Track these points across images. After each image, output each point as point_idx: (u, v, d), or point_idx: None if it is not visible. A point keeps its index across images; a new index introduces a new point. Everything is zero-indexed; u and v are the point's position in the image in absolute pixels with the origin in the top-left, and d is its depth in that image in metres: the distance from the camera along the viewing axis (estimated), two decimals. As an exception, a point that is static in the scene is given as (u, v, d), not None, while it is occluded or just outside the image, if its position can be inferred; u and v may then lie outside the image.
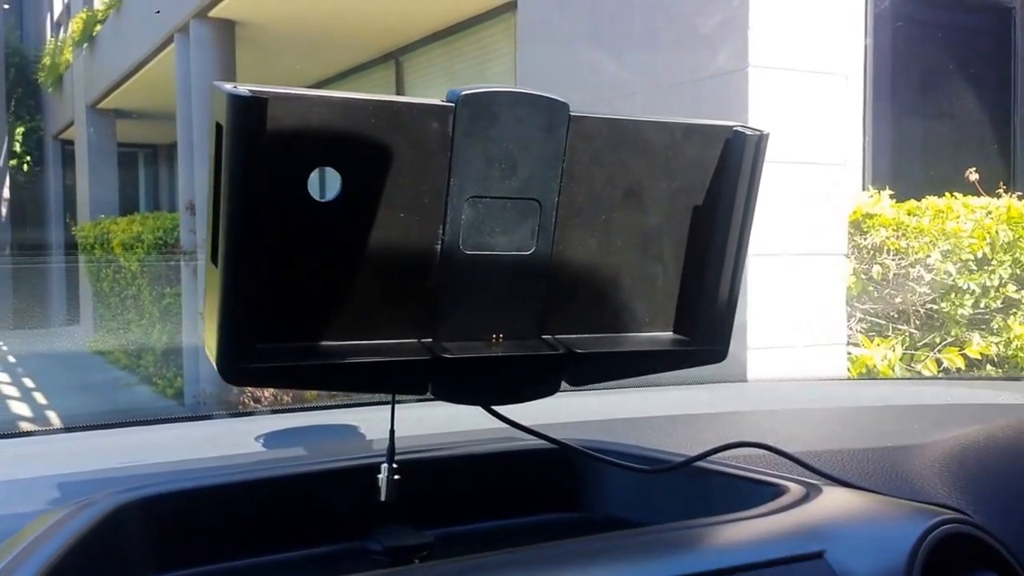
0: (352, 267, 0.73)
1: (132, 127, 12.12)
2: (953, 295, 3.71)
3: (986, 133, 5.05)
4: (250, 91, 0.65)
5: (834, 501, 0.81)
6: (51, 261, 14.11)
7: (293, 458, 0.99)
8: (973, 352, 3.68)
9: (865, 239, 3.70)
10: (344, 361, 0.73)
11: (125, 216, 10.09)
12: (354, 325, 0.74)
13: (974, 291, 3.69)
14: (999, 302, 3.76)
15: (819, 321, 3.55)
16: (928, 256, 3.67)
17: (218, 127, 0.66)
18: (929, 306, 3.74)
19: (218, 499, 0.82)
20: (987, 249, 3.71)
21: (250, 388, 5.25)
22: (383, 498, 0.84)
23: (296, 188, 0.69)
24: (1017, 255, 3.76)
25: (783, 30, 3.44)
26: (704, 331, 0.86)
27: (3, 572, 0.65)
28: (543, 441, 0.92)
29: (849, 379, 3.38)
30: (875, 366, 3.54)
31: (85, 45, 11.02)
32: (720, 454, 0.91)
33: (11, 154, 14.76)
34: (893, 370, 3.55)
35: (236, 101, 0.64)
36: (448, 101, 0.72)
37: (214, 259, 0.68)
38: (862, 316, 3.75)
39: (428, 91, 7.21)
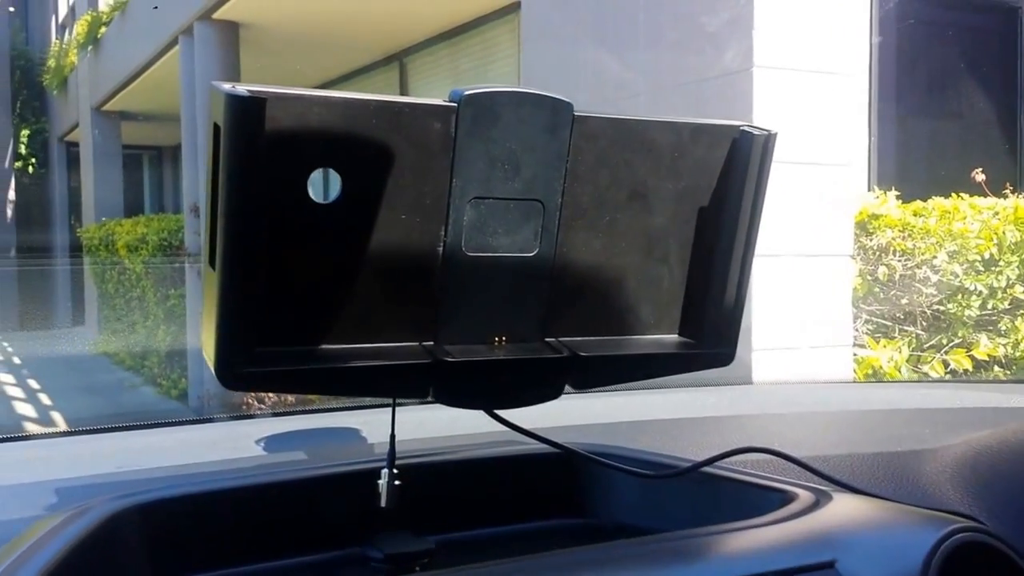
0: (352, 269, 0.71)
1: (137, 129, 12.14)
2: (960, 296, 3.69)
3: (992, 133, 5.03)
4: (248, 91, 0.64)
5: (845, 508, 0.80)
6: (56, 263, 14.13)
7: (293, 462, 0.98)
8: (980, 353, 3.66)
9: (871, 240, 3.68)
10: (344, 365, 0.71)
11: (130, 218, 10.10)
12: (354, 328, 0.73)
13: (981, 292, 3.67)
14: (1006, 303, 3.74)
15: (825, 322, 3.53)
16: (935, 257, 3.65)
17: (216, 128, 0.65)
18: (936, 307, 3.72)
19: (216, 505, 0.81)
20: (994, 250, 3.69)
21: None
22: (383, 504, 0.82)
23: (295, 190, 0.68)
24: (1024, 256, 3.74)
25: (788, 30, 3.42)
26: (710, 334, 0.85)
27: None
28: (546, 445, 0.90)
29: (856, 382, 3.36)
30: (881, 367, 3.52)
31: (90, 47, 11.03)
32: (727, 459, 0.89)
33: (16, 156, 14.78)
34: (899, 371, 3.53)
35: (234, 101, 0.63)
36: (450, 101, 0.71)
37: (212, 262, 0.67)
38: (868, 317, 3.73)
39: (432, 92, 7.20)
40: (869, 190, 3.98)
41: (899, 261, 3.67)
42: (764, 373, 3.33)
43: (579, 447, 0.94)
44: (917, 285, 3.68)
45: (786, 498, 0.81)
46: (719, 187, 0.82)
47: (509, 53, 6.35)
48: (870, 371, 3.54)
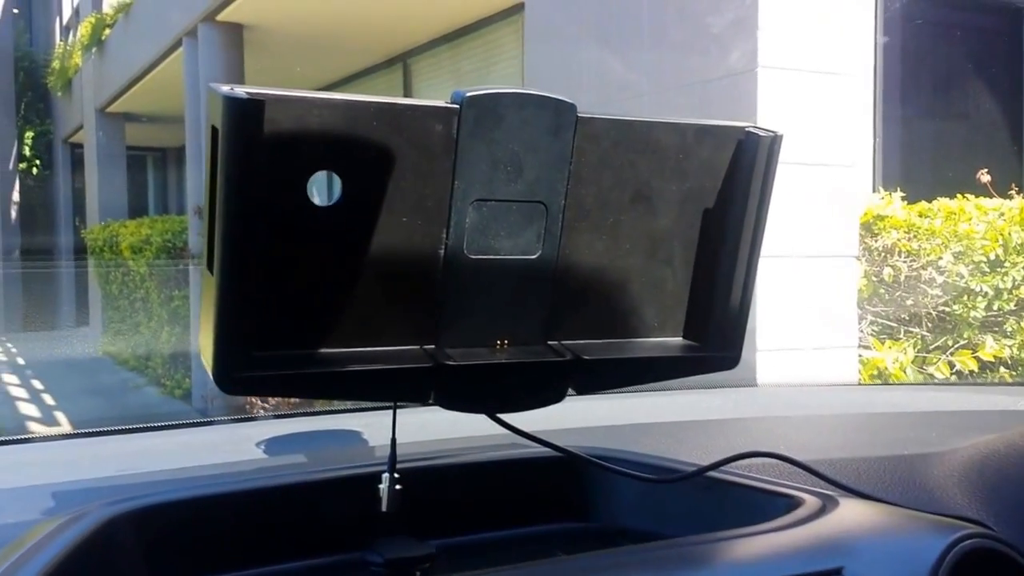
0: (353, 272, 0.71)
1: (141, 131, 12.15)
2: (965, 297, 3.67)
3: (998, 134, 5.01)
4: (247, 93, 0.63)
5: (851, 514, 0.79)
6: (60, 264, 14.15)
7: (293, 466, 0.97)
8: (986, 355, 3.64)
9: (876, 241, 3.67)
10: (344, 369, 0.71)
11: (134, 219, 10.11)
12: (354, 332, 0.72)
13: (987, 293, 3.66)
14: (1012, 304, 3.73)
15: (830, 323, 3.52)
16: (940, 258, 3.64)
17: (214, 130, 0.64)
18: (941, 308, 3.71)
19: (214, 510, 0.80)
20: (1000, 251, 3.68)
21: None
22: (384, 508, 0.82)
23: (295, 193, 0.67)
24: (1030, 257, 3.73)
25: (793, 30, 3.41)
26: (715, 337, 0.84)
27: None
28: (549, 449, 0.90)
29: (862, 384, 3.35)
30: (886, 369, 3.51)
31: (94, 49, 11.05)
32: (732, 463, 0.89)
33: (20, 158, 14.81)
34: (905, 373, 3.52)
35: (232, 104, 0.62)
36: (452, 103, 0.70)
37: (210, 266, 0.66)
38: (873, 319, 3.72)
39: (436, 93, 7.20)
40: (874, 191, 3.97)
41: (904, 262, 3.66)
42: (769, 374, 3.33)
43: (582, 450, 0.93)
44: (922, 286, 3.67)
45: (792, 503, 0.80)
46: (724, 189, 0.81)
47: (513, 54, 6.34)
48: (875, 372, 3.53)
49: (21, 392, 8.55)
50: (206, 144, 0.66)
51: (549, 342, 0.79)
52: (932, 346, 3.72)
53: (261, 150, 0.64)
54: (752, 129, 0.81)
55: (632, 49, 4.02)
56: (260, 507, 0.82)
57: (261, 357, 0.68)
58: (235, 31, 7.42)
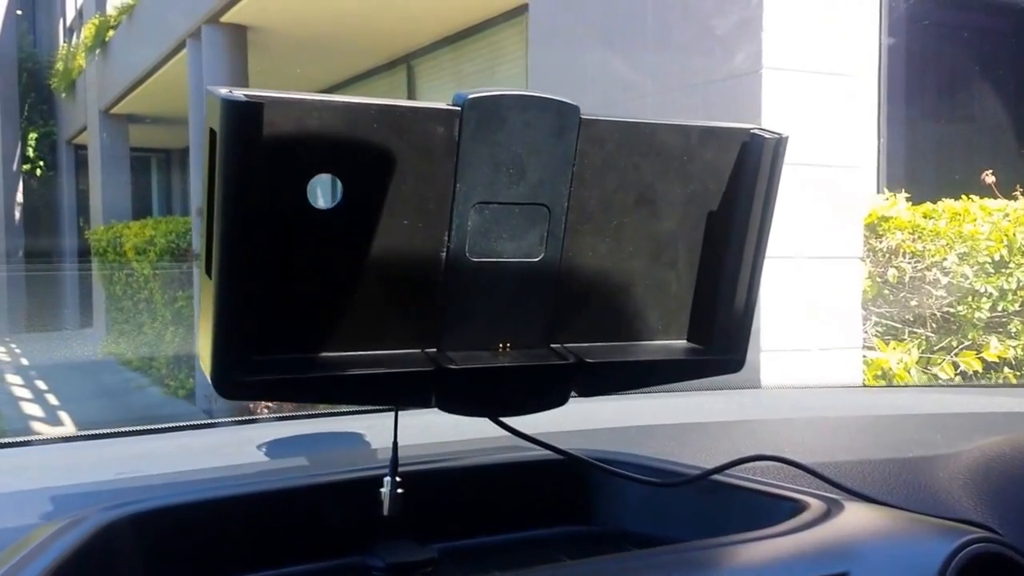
0: (353, 276, 0.70)
1: (145, 132, 12.17)
2: (970, 298, 3.66)
3: (1003, 135, 5.00)
4: (245, 95, 0.62)
5: (857, 518, 0.78)
6: (64, 265, 14.17)
7: (294, 468, 0.97)
8: (991, 356, 3.63)
9: (881, 242, 3.66)
10: (344, 373, 0.70)
11: (138, 220, 10.12)
12: (355, 335, 0.72)
13: (991, 294, 3.65)
14: (1017, 305, 3.72)
15: (834, 324, 3.52)
16: (944, 259, 3.63)
17: (212, 133, 0.63)
18: (946, 309, 3.70)
19: (213, 514, 0.80)
20: (1004, 252, 3.67)
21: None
22: (386, 512, 0.81)
23: (295, 196, 0.66)
24: (1035, 258, 3.72)
25: (797, 31, 3.40)
26: (720, 339, 0.83)
27: None
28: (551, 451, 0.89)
29: (866, 386, 3.35)
30: (891, 369, 3.51)
31: (98, 50, 11.06)
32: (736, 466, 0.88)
33: (24, 159, 14.83)
34: (909, 373, 3.51)
35: (230, 106, 0.62)
36: (454, 105, 0.69)
37: (208, 270, 0.66)
38: (878, 319, 3.71)
39: (440, 95, 7.18)
40: (879, 192, 3.96)
41: (909, 263, 3.65)
42: (773, 374, 3.32)
43: (584, 453, 0.92)
44: (927, 287, 3.66)
45: (797, 507, 0.80)
46: (729, 191, 0.80)
47: (517, 55, 6.34)
48: (879, 373, 3.52)
49: (25, 393, 8.56)
50: (204, 147, 0.65)
51: (552, 345, 0.79)
52: (936, 347, 3.71)
53: (260, 153, 0.63)
54: (757, 131, 0.80)
55: (636, 50, 4.02)
56: (260, 511, 0.82)
57: (260, 361, 0.68)
58: (239, 33, 7.43)
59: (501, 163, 0.71)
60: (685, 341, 0.84)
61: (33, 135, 14.90)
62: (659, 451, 1.03)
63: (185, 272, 8.09)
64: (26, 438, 1.14)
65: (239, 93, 0.62)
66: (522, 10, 5.77)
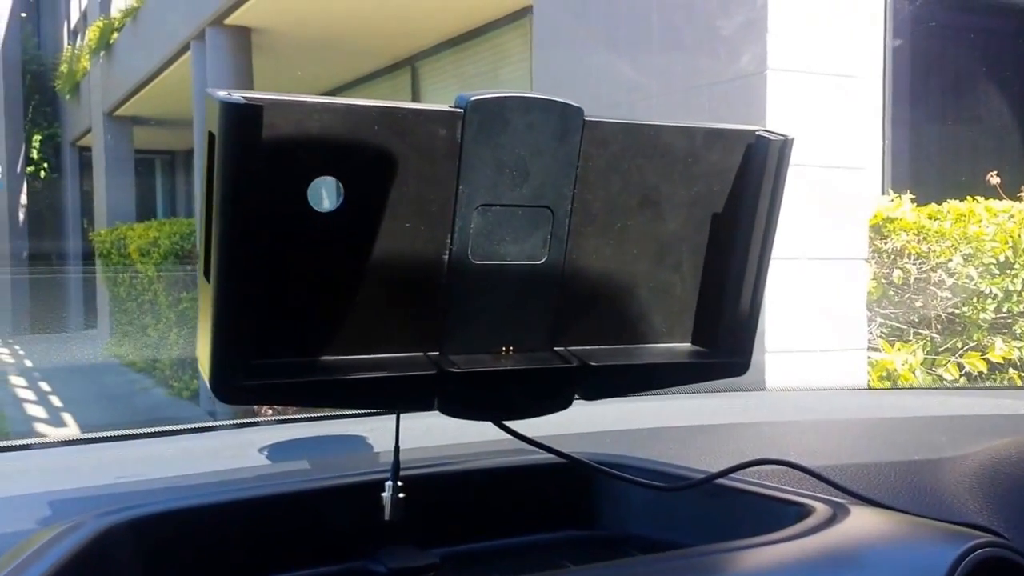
0: (355, 279, 0.70)
1: (149, 134, 12.18)
2: (975, 299, 3.65)
3: (1008, 136, 4.99)
4: (244, 98, 0.62)
5: (863, 523, 0.77)
6: (68, 267, 14.19)
7: (295, 473, 0.96)
8: (996, 357, 3.62)
9: (886, 243, 3.65)
10: (345, 377, 0.70)
11: (142, 222, 10.14)
12: (357, 339, 0.71)
13: (996, 295, 3.64)
14: (1022, 306, 3.71)
15: (839, 326, 3.51)
16: (949, 260, 3.62)
17: (211, 136, 0.63)
18: (950, 310, 3.69)
19: (213, 519, 0.79)
20: (1009, 253, 3.66)
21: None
22: (387, 517, 0.81)
23: (295, 199, 0.66)
24: (1040, 259, 3.70)
25: (802, 33, 3.40)
26: (724, 342, 0.83)
27: None
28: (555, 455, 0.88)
29: (871, 388, 3.34)
30: (896, 371, 3.50)
31: (102, 53, 11.08)
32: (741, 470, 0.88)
33: (28, 161, 14.85)
34: (914, 375, 3.50)
35: (229, 109, 0.61)
36: (456, 107, 0.69)
37: (206, 273, 0.65)
38: (883, 321, 3.70)
39: (444, 97, 7.19)
40: (884, 193, 3.95)
41: (914, 264, 3.64)
42: (778, 375, 3.31)
43: (588, 457, 0.92)
44: (932, 288, 3.65)
45: (803, 512, 0.79)
46: (734, 193, 0.80)
47: (521, 57, 6.34)
48: (884, 374, 3.51)
49: (29, 394, 8.57)
50: (203, 150, 0.65)
51: (555, 348, 0.78)
52: (941, 348, 3.70)
53: (259, 156, 0.63)
54: (762, 133, 0.79)
55: (641, 52, 4.01)
56: (261, 516, 0.81)
57: (260, 365, 0.67)
58: (243, 35, 7.43)
59: (504, 165, 0.71)
60: (690, 344, 0.84)
61: (37, 137, 14.93)
62: (664, 454, 1.02)
63: (189, 274, 8.10)
64: (26, 441, 1.13)
65: (238, 95, 0.62)
66: (526, 12, 5.77)
